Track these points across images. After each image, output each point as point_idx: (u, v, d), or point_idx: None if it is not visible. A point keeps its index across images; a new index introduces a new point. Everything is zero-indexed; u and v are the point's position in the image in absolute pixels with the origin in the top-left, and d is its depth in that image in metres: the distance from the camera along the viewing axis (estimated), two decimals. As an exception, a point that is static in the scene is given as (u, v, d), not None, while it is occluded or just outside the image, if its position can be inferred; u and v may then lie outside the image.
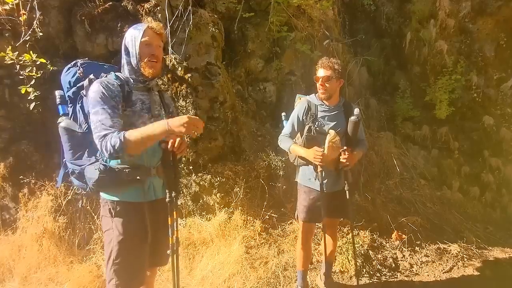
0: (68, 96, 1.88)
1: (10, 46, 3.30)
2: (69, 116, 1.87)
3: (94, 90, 1.71)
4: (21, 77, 3.31)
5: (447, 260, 3.75)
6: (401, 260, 3.69)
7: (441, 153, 5.49)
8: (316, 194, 2.65)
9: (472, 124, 5.54)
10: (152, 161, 1.87)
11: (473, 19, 5.52)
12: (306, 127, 2.62)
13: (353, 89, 5.31)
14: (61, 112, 1.88)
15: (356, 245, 3.64)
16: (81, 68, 1.87)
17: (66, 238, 3.29)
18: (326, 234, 2.95)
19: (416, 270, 3.56)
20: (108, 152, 1.63)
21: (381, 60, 5.82)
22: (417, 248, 3.88)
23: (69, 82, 1.87)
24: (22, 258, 3.15)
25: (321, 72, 2.59)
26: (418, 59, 5.65)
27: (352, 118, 2.57)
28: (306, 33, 4.75)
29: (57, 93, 1.91)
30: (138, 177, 1.80)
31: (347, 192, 2.62)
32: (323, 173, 2.59)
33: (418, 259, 3.73)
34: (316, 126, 2.61)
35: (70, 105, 1.88)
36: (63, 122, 1.84)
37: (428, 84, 5.61)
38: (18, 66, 3.28)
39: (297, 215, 2.80)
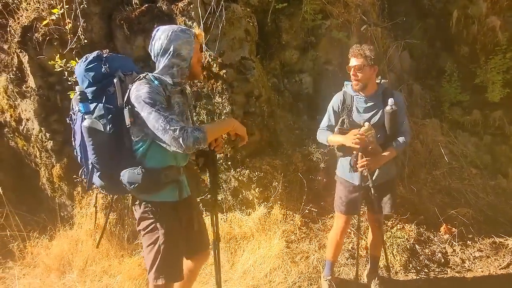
0: (91, 92, 1.74)
1: (58, 54, 3.51)
2: (93, 114, 1.70)
3: (146, 91, 1.66)
4: (69, 83, 3.52)
5: (503, 255, 3.49)
6: (451, 255, 3.50)
7: (495, 139, 5.07)
8: (353, 187, 2.60)
9: (531, 106, 5.05)
10: (183, 160, 1.95)
11: (530, -11, 4.99)
12: (340, 120, 2.52)
13: (395, 75, 5.03)
14: (83, 110, 1.70)
15: (401, 239, 3.52)
16: (106, 63, 1.76)
17: (116, 233, 3.50)
18: (370, 229, 2.93)
19: (469, 266, 3.36)
20: (189, 144, 1.62)
21: (425, 42, 5.43)
22: (469, 242, 3.66)
23: (93, 77, 1.74)
24: (79, 251, 3.41)
25: (352, 62, 2.46)
26: (467, 38, 5.21)
27: (387, 108, 2.42)
28: (342, 20, 4.55)
29: (78, 88, 1.74)
30: (178, 178, 1.88)
31: (371, 189, 2.50)
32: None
33: (471, 254, 3.52)
34: (350, 118, 2.50)
35: (90, 102, 1.72)
36: (86, 121, 1.67)
37: (478, 65, 5.17)
38: (66, 73, 3.49)
39: (335, 207, 2.79)
